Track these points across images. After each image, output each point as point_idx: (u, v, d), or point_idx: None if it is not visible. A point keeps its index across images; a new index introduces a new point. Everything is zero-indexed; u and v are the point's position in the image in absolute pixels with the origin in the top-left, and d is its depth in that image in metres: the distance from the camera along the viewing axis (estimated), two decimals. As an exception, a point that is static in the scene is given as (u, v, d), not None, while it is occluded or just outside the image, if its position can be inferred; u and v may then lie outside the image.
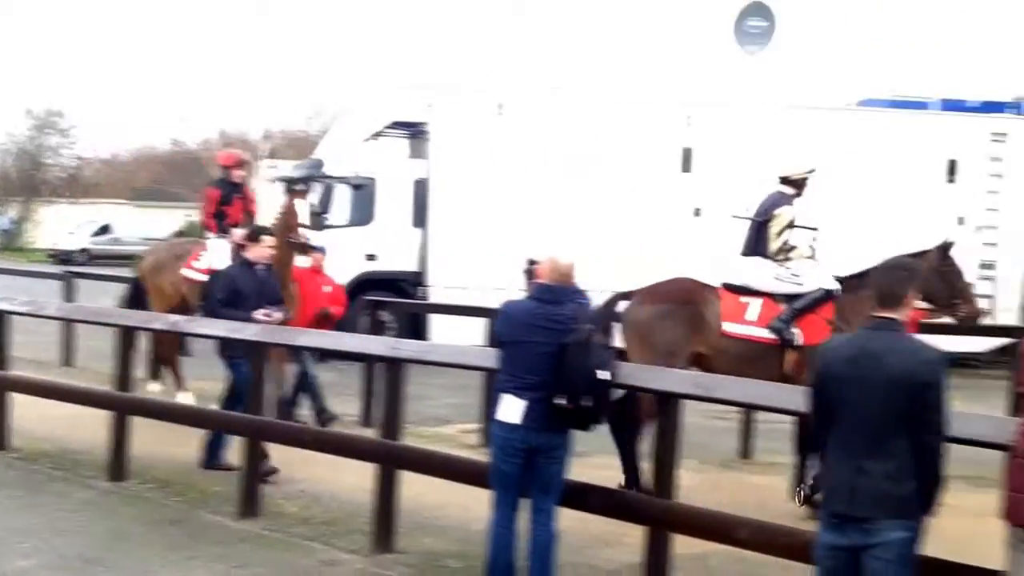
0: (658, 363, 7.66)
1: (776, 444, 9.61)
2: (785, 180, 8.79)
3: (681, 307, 8.32)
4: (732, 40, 19.45)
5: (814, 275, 8.48)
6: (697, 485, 8.46)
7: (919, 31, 24.11)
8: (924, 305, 8.43)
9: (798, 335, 8.21)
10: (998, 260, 17.37)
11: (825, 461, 4.53)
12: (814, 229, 8.71)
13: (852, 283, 8.33)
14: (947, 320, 9.02)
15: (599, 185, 16.55)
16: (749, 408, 7.47)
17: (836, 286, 8.45)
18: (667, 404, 5.95)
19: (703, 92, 17.66)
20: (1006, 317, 16.84)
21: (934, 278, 8.40)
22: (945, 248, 8.74)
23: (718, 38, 19.38)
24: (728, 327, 8.30)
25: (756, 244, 8.60)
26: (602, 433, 7.20)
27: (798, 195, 8.71)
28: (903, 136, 17.40)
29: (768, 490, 8.64)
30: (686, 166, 17.10)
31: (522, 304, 5.97)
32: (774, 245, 8.51)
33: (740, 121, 17.14)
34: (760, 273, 8.51)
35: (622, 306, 8.39)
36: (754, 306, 8.35)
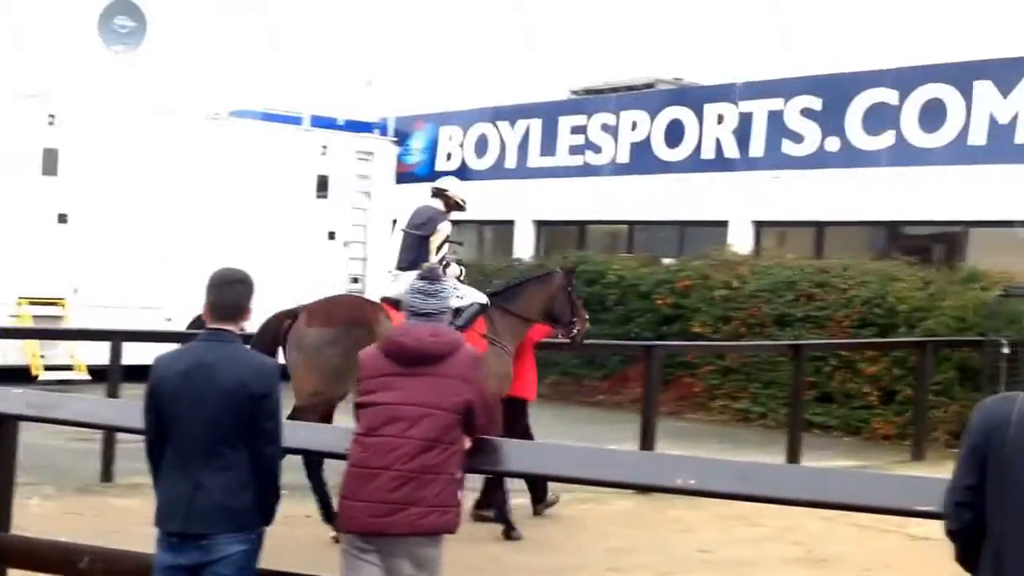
0: (326, 389, 7.76)
1: (141, 465, 9.21)
2: (439, 194, 8.75)
3: (351, 329, 7.88)
4: (98, 37, 18.48)
5: (469, 290, 8.54)
6: (50, 513, 7.93)
7: (292, 46, 24.88)
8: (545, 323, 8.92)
9: None
10: (366, 274, 18.31)
11: (160, 479, 4.33)
12: (460, 244, 8.90)
13: (497, 299, 8.59)
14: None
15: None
16: (87, 427, 7.02)
17: (487, 300, 8.57)
18: (2, 427, 5.37)
19: (71, 90, 16.57)
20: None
21: (561, 298, 8.82)
22: (570, 271, 9.22)
23: (84, 33, 18.29)
24: None
25: (417, 258, 8.36)
26: None
27: (447, 212, 8.70)
28: (275, 149, 17.75)
29: (130, 513, 8.23)
30: (50, 168, 15.93)
31: None
32: (434, 259, 8.38)
33: (109, 123, 16.34)
34: None
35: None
36: None
